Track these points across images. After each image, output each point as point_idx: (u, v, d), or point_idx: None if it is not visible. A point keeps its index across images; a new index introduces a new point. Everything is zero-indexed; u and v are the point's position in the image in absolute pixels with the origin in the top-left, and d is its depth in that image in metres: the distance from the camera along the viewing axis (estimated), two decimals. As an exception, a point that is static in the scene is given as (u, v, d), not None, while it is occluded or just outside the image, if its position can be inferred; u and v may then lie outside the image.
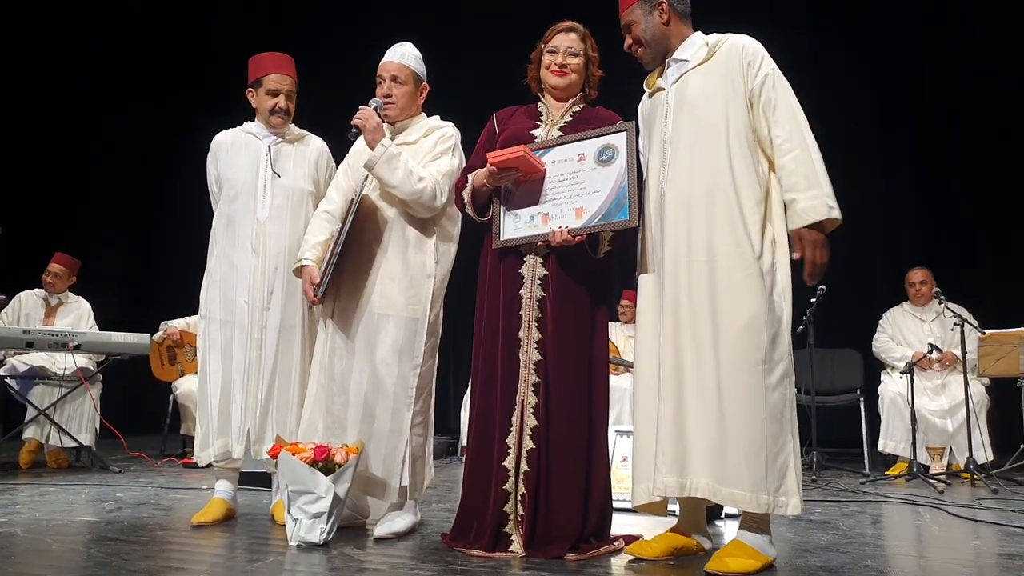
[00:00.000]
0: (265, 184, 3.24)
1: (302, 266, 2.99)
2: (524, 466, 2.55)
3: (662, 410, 2.39)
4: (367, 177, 2.93)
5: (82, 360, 5.16)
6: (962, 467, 4.84)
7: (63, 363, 5.12)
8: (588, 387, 2.62)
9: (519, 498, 2.55)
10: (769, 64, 2.45)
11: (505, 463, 2.57)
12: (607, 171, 2.52)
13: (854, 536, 2.96)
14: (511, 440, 2.57)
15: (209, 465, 3.15)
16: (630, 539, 2.61)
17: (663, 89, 2.58)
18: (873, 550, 2.70)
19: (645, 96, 2.69)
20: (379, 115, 2.92)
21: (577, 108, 2.81)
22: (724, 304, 2.34)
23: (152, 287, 8.23)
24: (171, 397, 6.05)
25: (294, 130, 3.36)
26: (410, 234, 2.94)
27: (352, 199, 2.92)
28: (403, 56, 3.04)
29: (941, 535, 3.06)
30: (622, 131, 2.53)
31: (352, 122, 2.87)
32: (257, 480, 3.86)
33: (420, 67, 3.08)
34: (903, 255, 6.88)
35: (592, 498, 2.57)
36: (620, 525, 2.82)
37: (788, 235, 2.41)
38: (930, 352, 5.13)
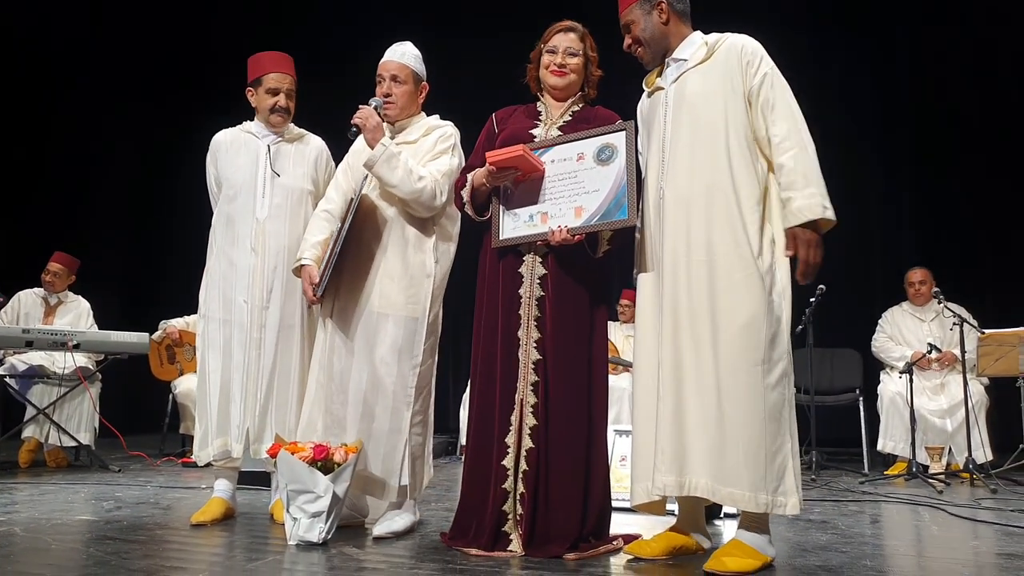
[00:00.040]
0: (264, 183, 3.24)
1: (301, 265, 2.99)
2: (523, 465, 2.55)
3: (661, 409, 2.39)
4: (366, 176, 2.93)
5: (81, 359, 5.16)
6: (961, 467, 4.84)
7: (62, 362, 5.12)
8: (587, 386, 2.62)
9: (518, 497, 2.55)
10: (768, 64, 2.45)
11: (504, 462, 2.57)
12: (606, 170, 2.52)
13: (853, 536, 2.97)
14: (510, 439, 2.58)
15: (208, 464, 3.16)
16: (629, 538, 2.61)
17: (662, 88, 2.58)
18: (872, 550, 2.71)
19: (644, 95, 2.69)
20: (379, 114, 2.92)
21: (576, 108, 2.81)
22: (723, 304, 2.34)
23: (151, 286, 8.23)
24: (170, 396, 6.05)
25: (293, 129, 3.36)
26: (410, 233, 2.94)
27: (351, 198, 2.92)
28: (403, 55, 3.04)
29: (940, 535, 3.06)
30: (621, 130, 2.53)
31: (352, 121, 2.88)
32: (256, 479, 3.86)
33: (420, 66, 3.08)
34: (903, 255, 6.88)
35: (591, 497, 2.57)
36: (619, 524, 2.83)
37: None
38: (929, 352, 5.13)
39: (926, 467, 5.03)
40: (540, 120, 2.80)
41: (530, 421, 2.56)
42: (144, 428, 6.69)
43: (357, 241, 2.94)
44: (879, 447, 5.39)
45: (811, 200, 2.32)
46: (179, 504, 3.58)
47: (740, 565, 2.27)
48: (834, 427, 6.14)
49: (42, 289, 5.54)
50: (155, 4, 7.84)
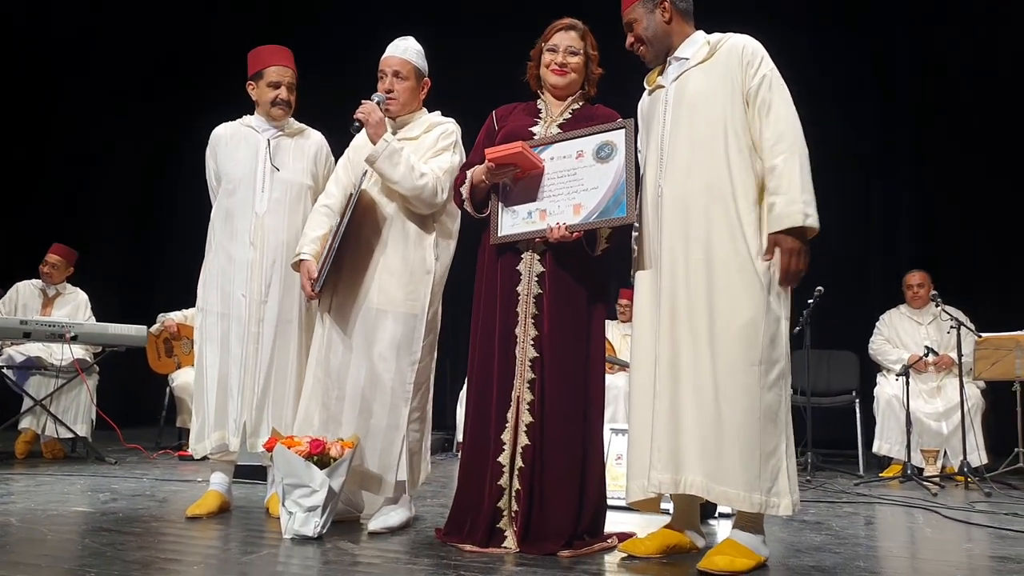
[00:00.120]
0: (264, 178, 3.24)
1: (300, 260, 2.99)
2: (519, 462, 2.56)
3: (657, 406, 2.39)
4: (365, 172, 2.93)
5: (79, 351, 5.15)
6: (956, 470, 4.85)
7: (60, 354, 5.11)
8: (584, 384, 2.62)
9: (514, 494, 2.55)
10: (768, 65, 2.45)
11: (500, 459, 2.57)
12: (605, 168, 2.52)
13: (847, 537, 2.97)
14: (506, 436, 2.58)
15: (205, 457, 3.16)
16: (624, 536, 2.62)
17: (663, 87, 2.58)
18: (866, 551, 2.71)
19: (645, 94, 2.69)
20: (381, 110, 2.92)
21: (576, 106, 2.81)
22: (722, 303, 2.34)
23: (150, 280, 8.22)
24: (167, 389, 6.05)
25: (293, 124, 3.36)
26: (410, 229, 2.93)
27: (351, 193, 2.92)
28: (405, 51, 3.03)
29: (934, 537, 3.07)
30: (621, 128, 2.53)
31: (355, 116, 2.87)
32: (252, 473, 3.86)
33: (422, 62, 3.07)
34: (901, 257, 6.88)
35: (587, 495, 2.58)
36: (614, 523, 2.83)
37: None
38: (926, 355, 5.13)
39: (921, 470, 5.05)
40: (540, 118, 2.80)
41: (526, 418, 2.57)
42: (141, 421, 6.68)
43: (356, 237, 2.93)
44: (874, 449, 5.40)
45: (791, 207, 2.32)
46: (175, 497, 3.59)
47: (734, 564, 2.28)
48: (830, 429, 6.14)
49: (40, 281, 5.54)
50: (155, 4, 7.82)
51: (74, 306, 5.56)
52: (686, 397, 2.35)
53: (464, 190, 2.77)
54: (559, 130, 2.72)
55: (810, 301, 5.01)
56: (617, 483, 3.26)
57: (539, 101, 2.86)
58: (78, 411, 5.20)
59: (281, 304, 3.16)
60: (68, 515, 3.03)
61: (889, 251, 7.17)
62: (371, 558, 2.40)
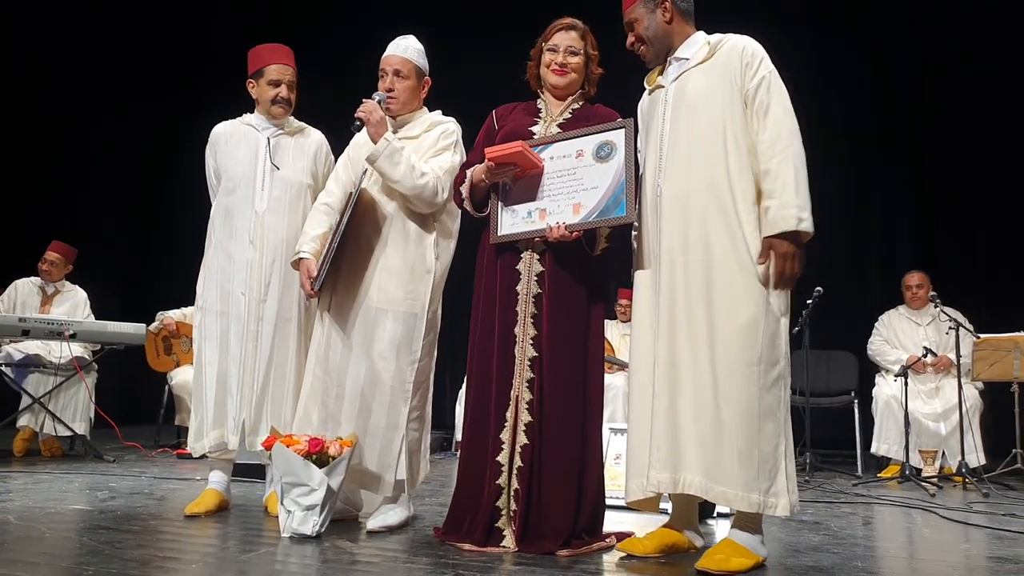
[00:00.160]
0: (264, 176, 3.24)
1: (300, 259, 2.99)
2: (518, 461, 2.56)
3: (656, 406, 2.39)
4: (365, 171, 2.93)
5: (78, 349, 5.15)
6: (954, 470, 4.86)
7: (59, 352, 5.11)
8: (583, 384, 2.62)
9: (512, 493, 2.56)
10: (767, 67, 2.44)
11: (499, 458, 2.57)
12: (605, 167, 2.52)
13: (845, 537, 2.97)
14: (505, 435, 2.58)
15: (203, 456, 3.16)
16: (622, 536, 2.62)
17: (663, 87, 2.58)
18: (864, 551, 2.72)
19: (645, 93, 2.69)
20: (382, 109, 2.92)
21: (576, 105, 2.81)
22: (722, 303, 2.34)
23: (149, 278, 8.21)
24: (166, 388, 6.05)
25: (293, 122, 3.36)
26: (410, 229, 2.93)
27: (351, 192, 2.92)
28: (406, 50, 3.03)
29: (932, 537, 3.07)
30: (620, 128, 2.53)
31: (356, 115, 2.86)
32: (251, 472, 3.87)
33: (422, 61, 3.07)
34: (900, 257, 6.88)
35: (585, 494, 2.58)
36: (612, 522, 2.83)
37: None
38: (925, 355, 5.14)
39: (919, 470, 5.05)
40: (540, 117, 2.80)
41: (525, 418, 2.57)
42: (139, 419, 6.68)
43: (356, 235, 2.93)
44: (873, 450, 5.40)
45: (785, 211, 2.31)
46: (173, 495, 3.59)
47: (732, 564, 2.28)
48: (829, 429, 6.15)
49: (39, 278, 5.54)
50: (155, 4, 7.82)
51: (73, 304, 5.56)
52: (685, 397, 2.35)
53: (464, 189, 2.77)
54: (559, 130, 2.72)
55: (809, 302, 5.01)
56: (616, 483, 3.26)
57: (539, 101, 2.86)
58: (76, 409, 5.20)
59: (280, 302, 3.16)
60: (66, 513, 3.03)
61: (888, 252, 7.17)
62: (369, 557, 2.40)
